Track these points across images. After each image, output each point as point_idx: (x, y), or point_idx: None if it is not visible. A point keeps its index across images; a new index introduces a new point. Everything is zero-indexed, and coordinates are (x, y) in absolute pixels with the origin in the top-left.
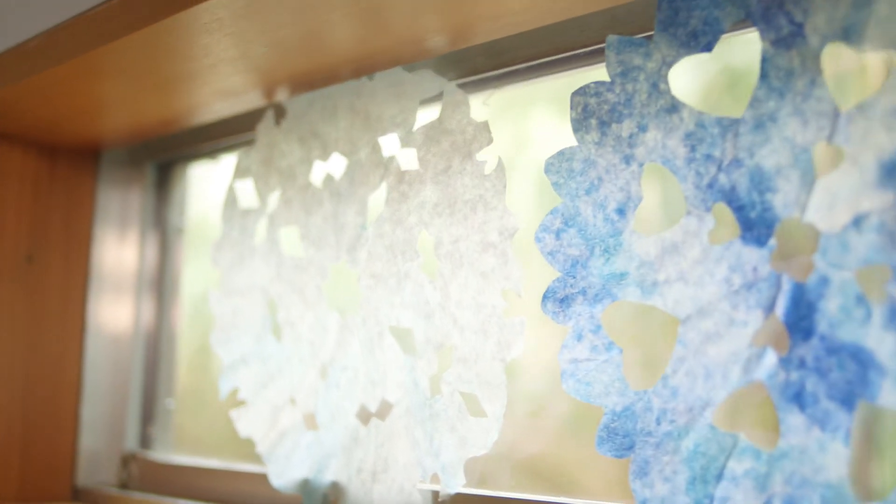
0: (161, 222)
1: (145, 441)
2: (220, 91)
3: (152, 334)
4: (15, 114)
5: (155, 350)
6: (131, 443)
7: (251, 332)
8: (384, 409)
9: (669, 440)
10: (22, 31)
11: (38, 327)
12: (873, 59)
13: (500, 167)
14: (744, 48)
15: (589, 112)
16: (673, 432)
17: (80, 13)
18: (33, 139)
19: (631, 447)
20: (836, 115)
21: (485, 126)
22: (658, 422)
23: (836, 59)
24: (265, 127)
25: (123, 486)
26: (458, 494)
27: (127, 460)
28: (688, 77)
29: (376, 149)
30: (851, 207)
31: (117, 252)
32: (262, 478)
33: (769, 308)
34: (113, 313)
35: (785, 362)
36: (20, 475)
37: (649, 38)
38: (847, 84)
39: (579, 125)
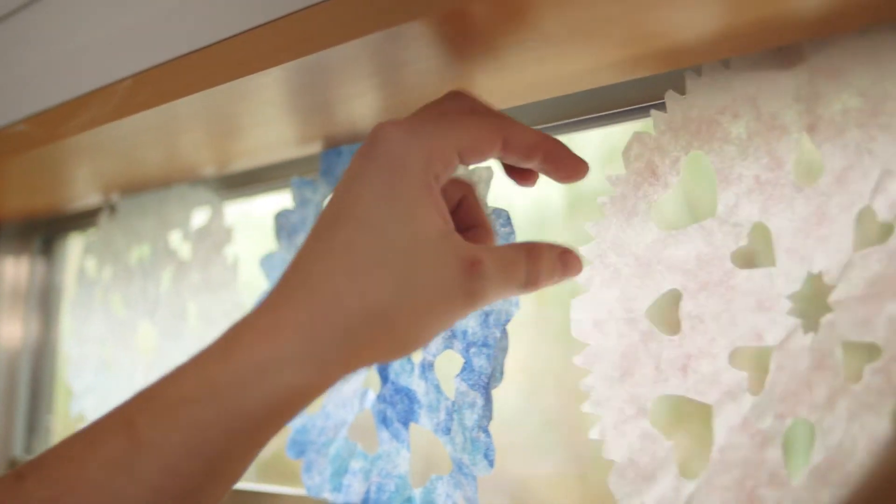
0: (45, 279)
1: (29, 449)
2: (77, 193)
3: (37, 360)
4: None
5: (38, 374)
6: (18, 450)
7: (92, 369)
8: None
9: (324, 448)
10: None
11: None
12: None
13: (235, 260)
14: None
15: (282, 227)
16: (326, 442)
17: None
18: None
19: (304, 452)
20: None
21: (230, 230)
22: (319, 435)
23: None
24: (103, 219)
25: None
26: None
27: (13, 464)
28: None
29: (168, 242)
30: None
31: (11, 298)
32: None
33: None
34: (5, 344)
35: (378, 398)
36: None
37: (315, 179)
38: None
39: (279, 235)
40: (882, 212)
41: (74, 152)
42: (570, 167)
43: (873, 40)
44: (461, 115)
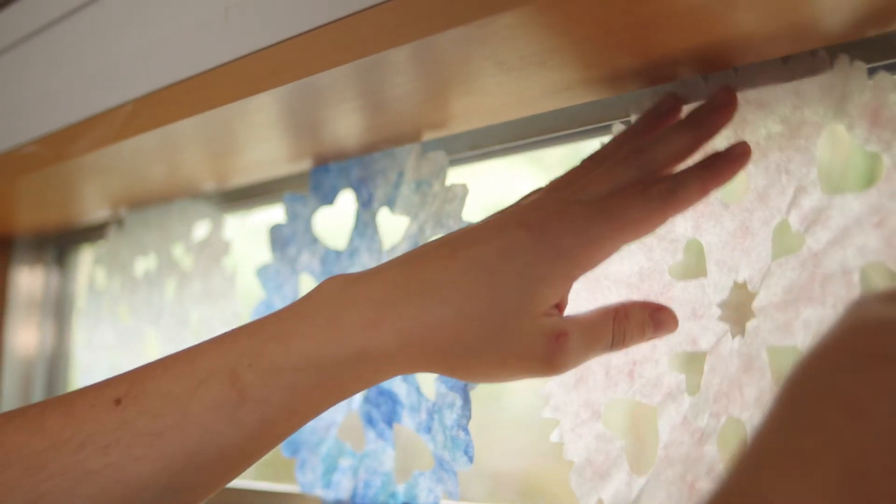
0: (59, 289)
1: None
2: (87, 208)
3: (51, 367)
4: None
5: (52, 380)
6: None
7: (103, 375)
8: None
9: (316, 447)
10: None
11: None
12: (400, 221)
13: (234, 271)
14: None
15: (276, 240)
16: (319, 442)
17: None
18: None
19: (298, 451)
20: (382, 253)
21: (228, 243)
22: (311, 434)
23: (384, 219)
24: (112, 232)
25: None
26: None
27: None
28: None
29: (171, 253)
30: None
31: (27, 306)
32: None
33: None
34: (21, 350)
35: (365, 399)
36: None
37: (305, 195)
38: (387, 235)
39: (273, 247)
40: (795, 224)
41: (82, 171)
42: (736, 165)
43: (794, 72)
44: (626, 203)
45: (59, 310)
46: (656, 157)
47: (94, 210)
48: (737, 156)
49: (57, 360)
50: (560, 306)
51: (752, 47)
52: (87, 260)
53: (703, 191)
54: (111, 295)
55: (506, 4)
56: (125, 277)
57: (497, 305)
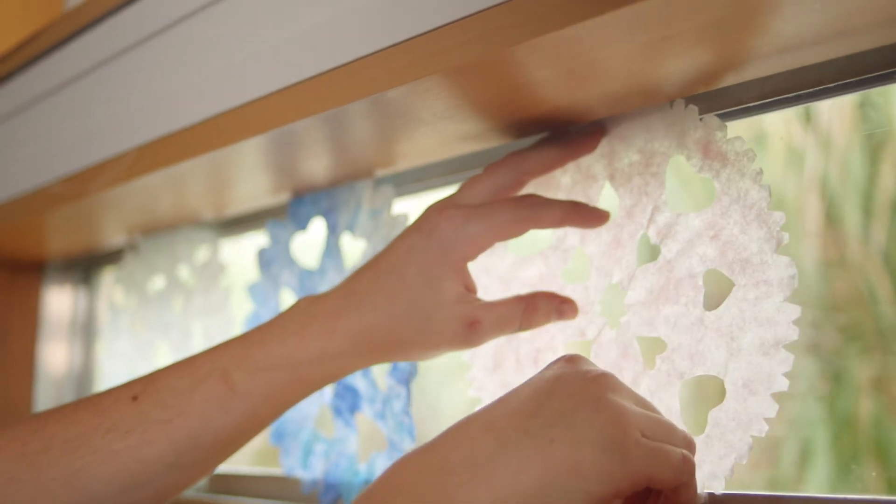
0: (86, 306)
1: None
2: (108, 235)
3: (80, 376)
4: None
5: (81, 387)
6: None
7: (123, 380)
8: None
9: (295, 435)
10: None
11: (4, 375)
12: (359, 244)
13: (228, 289)
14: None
15: (262, 260)
16: (298, 431)
17: (23, 193)
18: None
19: (282, 440)
20: (345, 271)
21: (224, 265)
22: (292, 425)
23: (346, 242)
24: (128, 255)
25: None
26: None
27: None
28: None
29: (178, 274)
30: None
31: (58, 322)
32: None
33: None
34: (52, 364)
35: (333, 394)
36: None
37: (285, 222)
38: (349, 256)
39: (260, 266)
40: (653, 237)
41: (101, 204)
42: (594, 220)
43: (647, 116)
44: (500, 208)
45: (86, 325)
46: (528, 159)
47: (114, 237)
48: (596, 215)
49: (85, 370)
50: (469, 288)
51: (612, 104)
52: (108, 281)
53: (562, 221)
54: (129, 311)
55: (420, 73)
56: (140, 295)
57: (415, 303)
